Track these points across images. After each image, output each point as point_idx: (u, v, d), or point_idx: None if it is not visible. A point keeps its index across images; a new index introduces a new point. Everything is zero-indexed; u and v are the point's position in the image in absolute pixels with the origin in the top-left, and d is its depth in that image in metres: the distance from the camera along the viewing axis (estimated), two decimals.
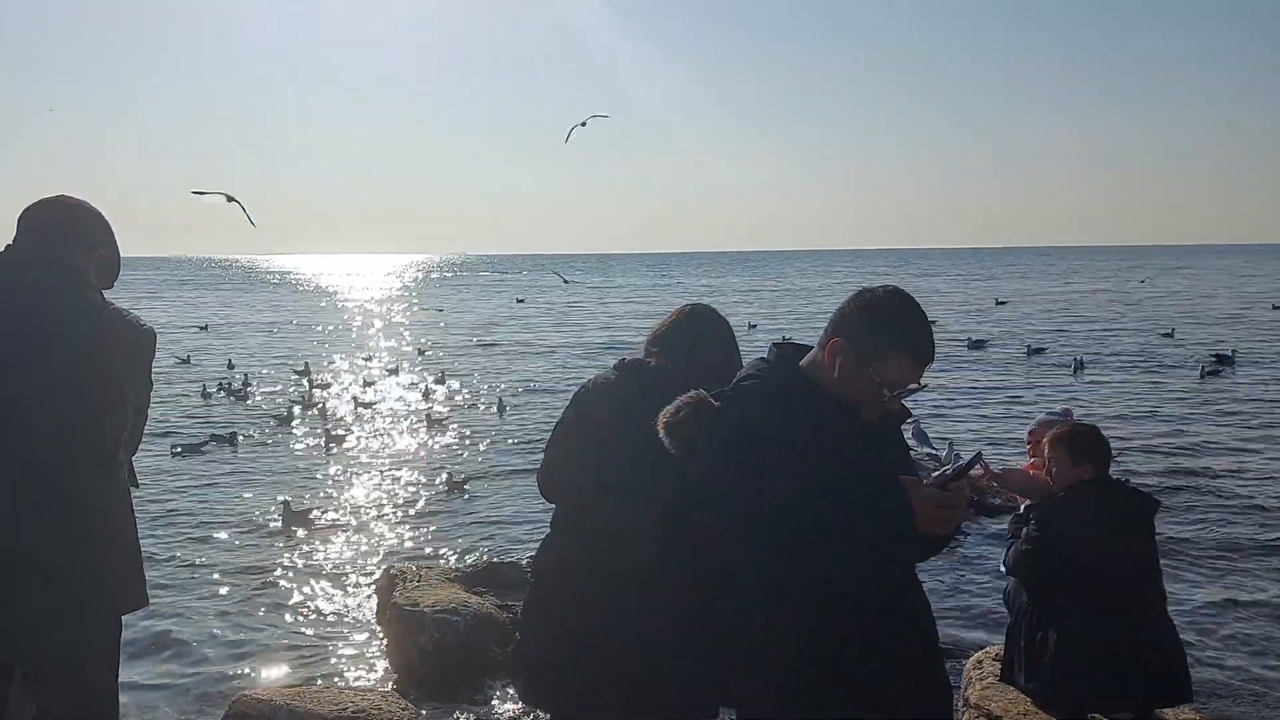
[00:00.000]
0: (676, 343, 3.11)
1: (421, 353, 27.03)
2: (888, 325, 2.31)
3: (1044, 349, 25.04)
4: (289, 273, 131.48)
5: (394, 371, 22.85)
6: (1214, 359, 21.42)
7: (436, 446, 13.97)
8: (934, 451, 11.50)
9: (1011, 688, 4.56)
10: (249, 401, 18.63)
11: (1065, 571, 4.09)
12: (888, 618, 2.32)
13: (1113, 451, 4.28)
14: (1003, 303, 45.12)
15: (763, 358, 2.49)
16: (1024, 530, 4.25)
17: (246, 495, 11.14)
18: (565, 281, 30.40)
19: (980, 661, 5.14)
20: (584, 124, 14.00)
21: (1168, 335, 28.57)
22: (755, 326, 31.56)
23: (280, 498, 10.22)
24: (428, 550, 8.93)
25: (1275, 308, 37.95)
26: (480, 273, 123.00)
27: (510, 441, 14.13)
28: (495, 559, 7.79)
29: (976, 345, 26.13)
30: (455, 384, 20.09)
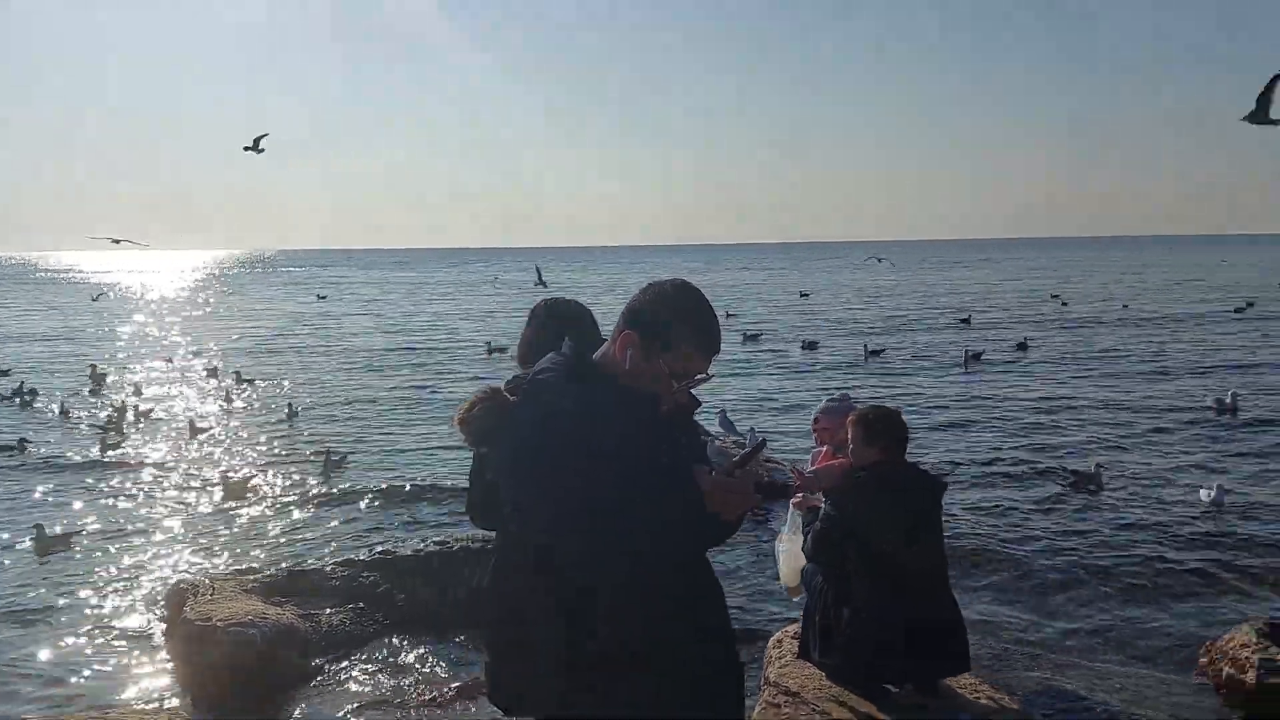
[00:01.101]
0: (549, 346, 3.08)
1: (213, 355, 25.62)
2: (676, 318, 2.35)
3: (816, 343, 25.77)
4: (68, 270, 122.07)
5: (184, 375, 21.69)
6: (973, 355, 22.22)
7: (227, 453, 13.24)
8: (739, 438, 11.85)
9: (809, 664, 4.76)
10: (29, 409, 17.14)
11: (856, 550, 4.30)
12: (680, 603, 2.36)
13: (907, 432, 4.49)
14: (806, 295, 47.21)
15: (558, 351, 2.48)
16: (820, 511, 4.45)
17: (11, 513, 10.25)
18: (540, 283, 29.24)
19: (779, 641, 5.32)
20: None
21: (964, 322, 30.94)
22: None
23: (36, 522, 9.32)
24: (222, 561, 8.46)
25: (1058, 299, 41.27)
26: (286, 269, 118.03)
27: (303, 448, 13.42)
28: (297, 566, 7.47)
29: (751, 338, 26.81)
30: (248, 387, 19.10)
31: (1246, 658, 5.40)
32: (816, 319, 34.09)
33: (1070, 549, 8.33)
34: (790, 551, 4.92)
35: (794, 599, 5.10)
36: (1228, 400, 14.42)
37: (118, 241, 23.21)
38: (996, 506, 9.66)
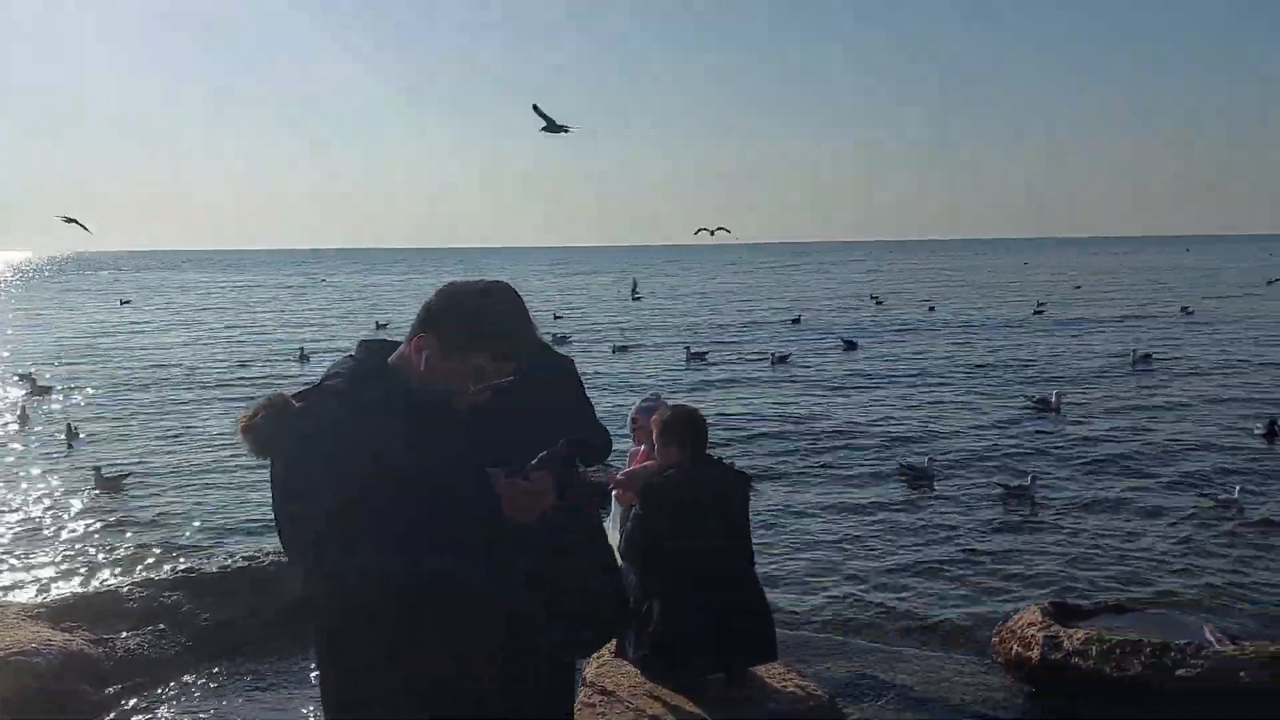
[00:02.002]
0: None
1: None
2: (474, 320, 2.32)
3: (627, 347, 26.01)
4: None
5: None
6: (780, 356, 22.81)
7: (4, 473, 12.26)
8: None
9: (625, 662, 4.83)
10: None
11: (664, 547, 4.40)
12: (479, 610, 2.33)
13: (707, 430, 4.61)
14: (639, 297, 47.82)
15: (350, 354, 2.41)
16: (631, 511, 4.52)
17: None
18: (635, 297, 27.70)
19: None
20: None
21: (795, 321, 32.06)
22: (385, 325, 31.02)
23: None
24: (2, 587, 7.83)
25: (875, 298, 43.18)
26: (93, 272, 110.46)
27: (85, 466, 12.28)
28: (88, 589, 6.99)
29: (620, 349, 26.81)
30: (31, 400, 17.70)
31: (1033, 636, 5.78)
32: (650, 321, 34.56)
33: (884, 540, 8.75)
34: (616, 546, 5.01)
35: None
36: (1052, 399, 15.31)
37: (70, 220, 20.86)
38: (811, 502, 10.05)
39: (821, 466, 11.82)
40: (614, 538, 5.04)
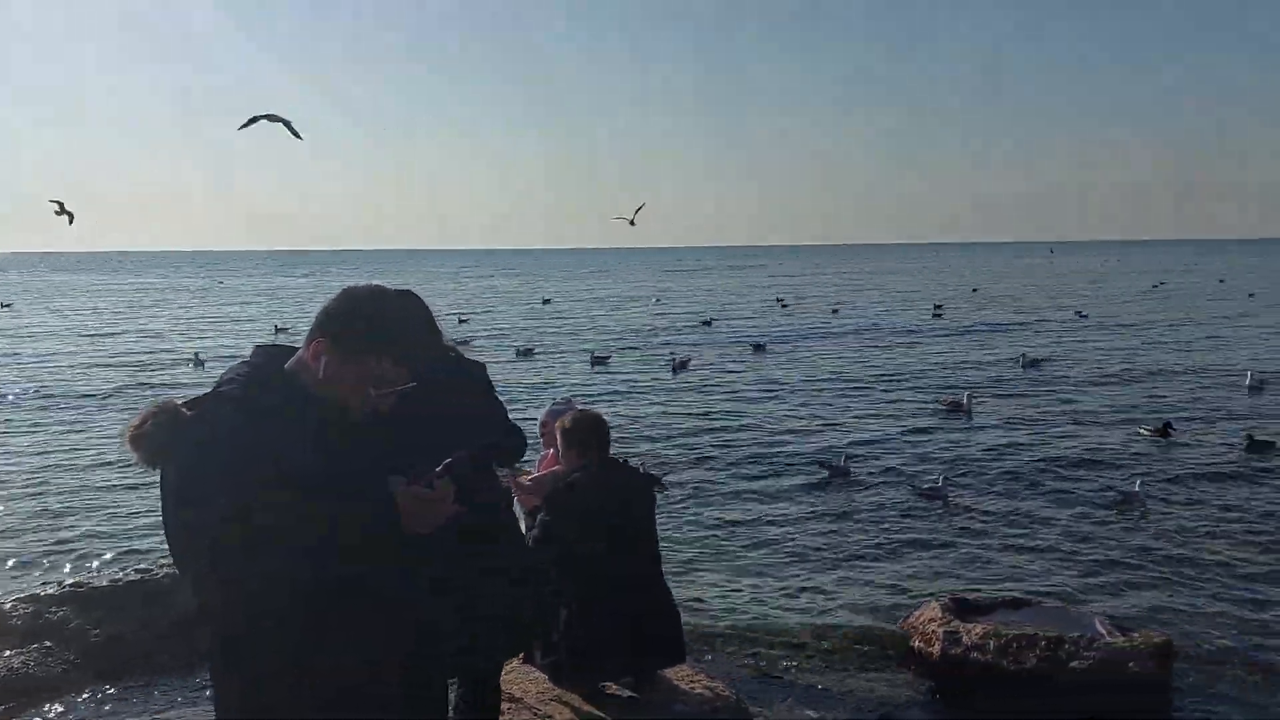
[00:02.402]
0: None
1: None
2: (372, 324, 2.28)
3: (531, 350, 25.51)
4: None
5: None
6: (681, 362, 22.48)
7: None
8: None
9: (533, 668, 4.80)
10: None
11: (572, 551, 4.38)
12: (384, 615, 2.28)
13: (609, 434, 4.61)
14: (547, 301, 47.71)
15: (245, 360, 2.35)
16: (537, 518, 4.49)
17: None
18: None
19: None
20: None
21: (707, 324, 32.36)
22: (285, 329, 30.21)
23: None
24: None
25: (781, 302, 43.83)
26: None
27: None
28: None
29: (524, 353, 25.98)
30: None
31: (934, 632, 5.93)
32: (555, 325, 34.45)
33: (794, 539, 8.87)
34: None
35: None
36: (963, 401, 15.66)
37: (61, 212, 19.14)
38: (720, 503, 10.12)
39: (729, 465, 11.91)
40: None
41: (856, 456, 12.09)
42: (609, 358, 23.70)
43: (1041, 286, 56.38)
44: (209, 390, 2.26)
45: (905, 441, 13.53)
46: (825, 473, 11.30)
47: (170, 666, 6.05)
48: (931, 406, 16.11)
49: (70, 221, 18.05)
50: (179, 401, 2.27)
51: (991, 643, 5.69)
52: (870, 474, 11.47)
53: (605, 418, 4.60)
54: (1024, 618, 6.12)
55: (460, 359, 3.82)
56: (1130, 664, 5.46)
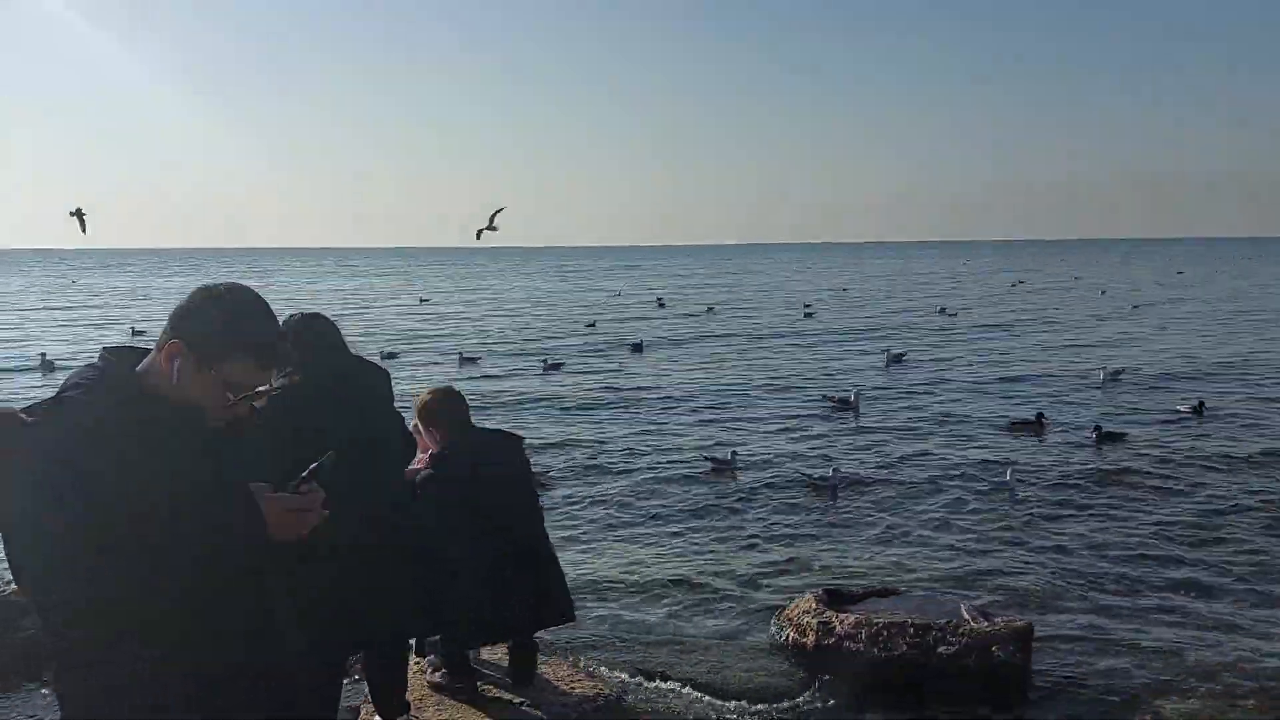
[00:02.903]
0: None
1: None
2: (229, 325, 2.17)
3: (395, 354, 24.87)
4: None
5: None
6: (551, 364, 22.29)
7: None
8: None
9: (416, 669, 4.75)
10: None
11: (447, 523, 4.36)
12: (245, 633, 2.19)
13: (466, 404, 4.62)
14: (426, 300, 47.07)
15: (92, 363, 2.21)
16: (420, 496, 4.46)
17: None
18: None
19: None
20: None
21: (590, 326, 32.31)
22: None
23: None
24: None
25: (660, 302, 44.24)
26: None
27: None
28: None
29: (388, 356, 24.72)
30: None
31: (808, 622, 6.08)
32: (435, 327, 33.91)
33: (679, 534, 8.94)
34: None
35: None
36: (851, 398, 15.95)
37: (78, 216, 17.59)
38: (601, 501, 10.13)
39: (609, 464, 11.91)
40: None
41: (743, 451, 12.30)
42: (478, 358, 23.39)
43: (907, 286, 58.46)
44: (52, 395, 2.13)
45: (793, 437, 13.79)
46: (710, 466, 11.46)
47: (12, 686, 5.71)
48: (819, 403, 16.43)
49: (83, 230, 17.34)
50: (17, 409, 2.14)
51: (863, 632, 5.87)
52: (758, 468, 11.64)
53: (458, 389, 4.62)
54: (894, 606, 6.33)
55: (363, 364, 3.87)
56: (994, 648, 5.70)
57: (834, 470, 10.87)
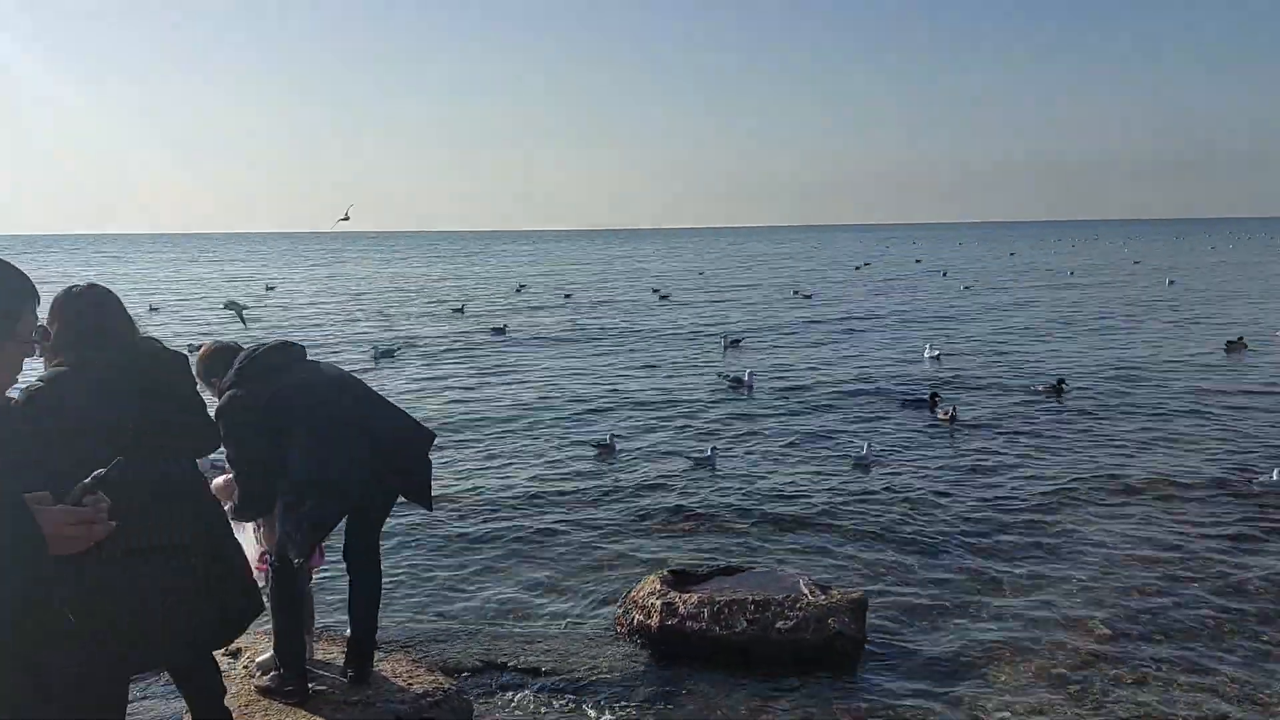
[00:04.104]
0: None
1: None
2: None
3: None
4: None
5: None
6: (381, 352, 21.56)
7: None
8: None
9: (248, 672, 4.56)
10: None
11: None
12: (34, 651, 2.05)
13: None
14: (271, 288, 45.36)
15: None
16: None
17: None
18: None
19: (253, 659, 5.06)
20: None
21: (459, 310, 31.76)
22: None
23: None
24: None
25: (521, 286, 43.89)
26: None
27: None
28: None
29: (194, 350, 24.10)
30: None
31: (652, 604, 6.12)
32: (276, 315, 32.66)
33: (538, 519, 8.87)
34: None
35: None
36: (745, 378, 16.07)
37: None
38: (458, 483, 9.97)
39: (478, 450, 11.73)
40: (246, 539, 4.72)
41: (624, 434, 12.39)
42: (395, 350, 22.69)
43: (764, 269, 59.84)
44: None
45: (689, 415, 13.93)
46: (595, 451, 11.53)
47: None
48: (711, 383, 16.54)
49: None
50: None
51: (705, 610, 5.96)
52: (640, 450, 11.70)
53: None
54: (736, 584, 6.45)
55: (153, 350, 3.52)
56: (830, 620, 5.88)
57: (711, 449, 11.05)
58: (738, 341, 22.44)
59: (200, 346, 4.65)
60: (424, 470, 4.61)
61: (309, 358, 4.62)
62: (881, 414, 13.84)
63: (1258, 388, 15.24)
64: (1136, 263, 60.72)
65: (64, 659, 2.28)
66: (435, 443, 4.78)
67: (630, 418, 13.86)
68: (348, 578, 4.68)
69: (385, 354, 20.86)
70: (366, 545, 4.64)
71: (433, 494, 4.75)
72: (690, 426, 13.16)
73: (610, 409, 14.60)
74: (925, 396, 14.04)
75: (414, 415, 4.80)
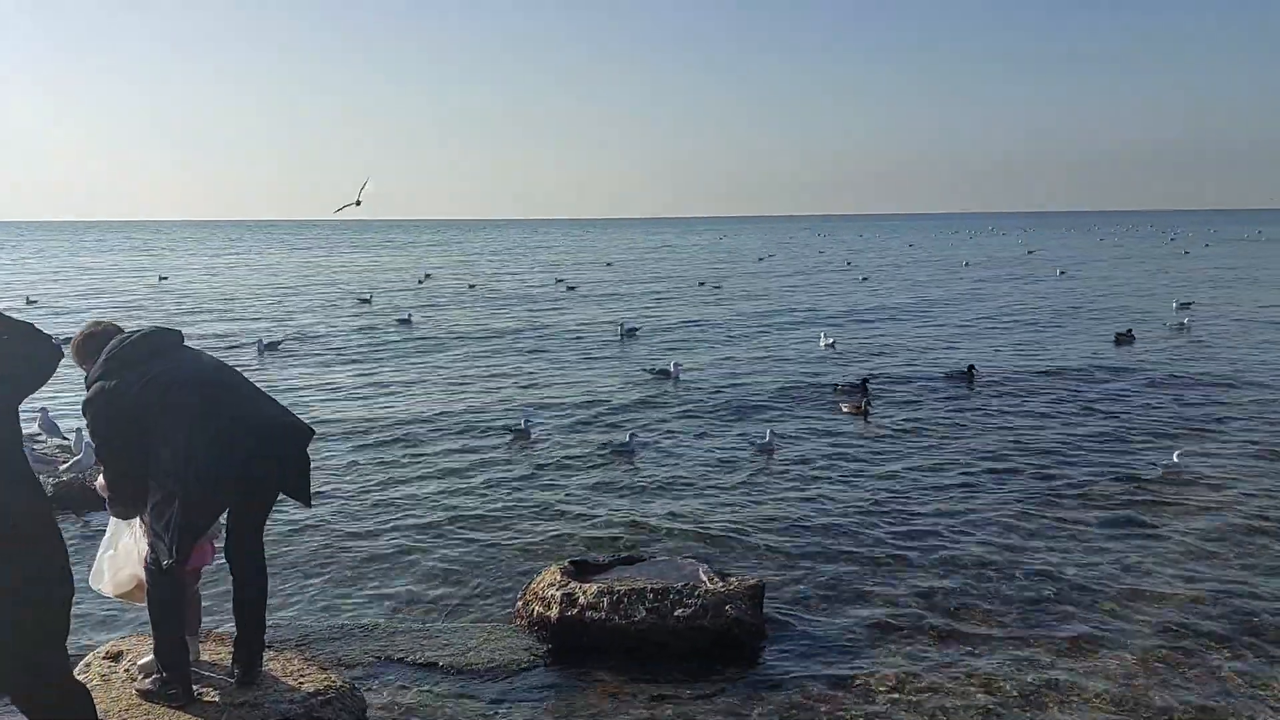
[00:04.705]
0: None
1: None
2: None
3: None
4: None
5: None
6: (267, 345, 20.94)
7: None
8: (64, 441, 10.65)
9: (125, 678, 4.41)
10: None
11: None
12: None
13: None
14: (164, 278, 43.86)
15: None
16: None
17: None
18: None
19: (89, 664, 4.85)
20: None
21: (365, 301, 31.28)
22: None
23: None
24: None
25: (426, 275, 43.22)
26: None
27: None
28: None
29: None
30: None
31: (552, 595, 6.10)
32: (167, 303, 31.55)
33: (441, 508, 8.77)
34: (122, 553, 4.58)
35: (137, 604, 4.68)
36: (670, 369, 15.98)
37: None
38: (357, 478, 9.77)
39: (384, 438, 11.48)
40: (121, 546, 4.58)
41: (541, 420, 12.44)
42: (281, 342, 21.96)
43: (670, 261, 60.23)
44: None
45: (610, 405, 13.93)
46: (509, 436, 11.51)
47: None
48: (641, 373, 16.48)
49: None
50: None
51: (604, 600, 5.96)
52: (554, 440, 11.67)
53: None
54: (637, 573, 6.47)
55: None
56: (727, 607, 5.94)
57: (630, 436, 11.11)
58: (634, 331, 22.49)
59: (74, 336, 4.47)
60: (302, 464, 4.47)
61: (186, 345, 4.47)
62: (791, 402, 14.06)
63: (1144, 378, 15.87)
64: (1030, 253, 62.87)
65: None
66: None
67: (547, 407, 13.80)
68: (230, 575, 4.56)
69: (270, 346, 20.06)
70: (249, 542, 4.51)
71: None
72: (604, 418, 13.14)
73: (518, 399, 14.49)
74: (858, 383, 14.16)
75: (305, 408, 4.69)
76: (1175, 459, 9.98)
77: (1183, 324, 22.49)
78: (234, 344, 21.00)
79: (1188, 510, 8.66)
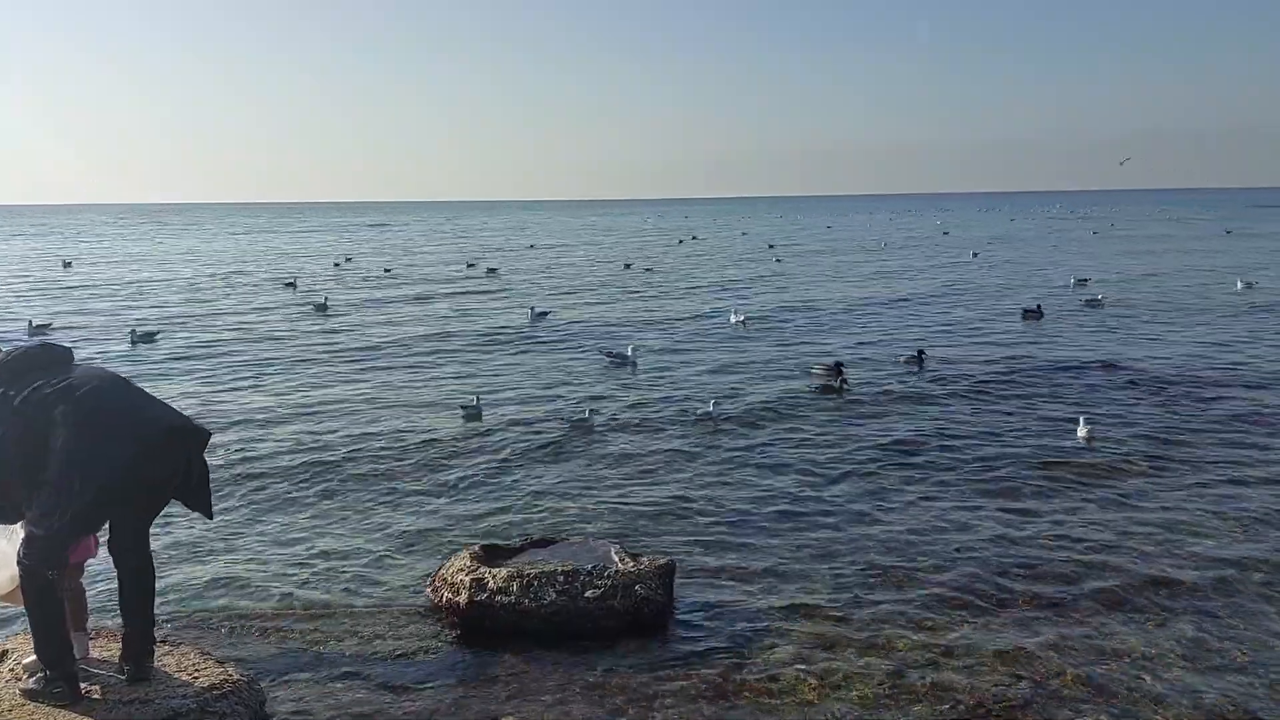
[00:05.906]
0: None
1: None
2: None
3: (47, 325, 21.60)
4: None
5: None
6: (140, 336, 19.94)
7: None
8: None
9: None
10: None
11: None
12: None
13: None
14: (69, 264, 42.28)
15: None
16: None
17: None
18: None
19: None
20: None
21: (290, 285, 30.76)
22: None
23: None
24: None
25: (346, 259, 42.39)
26: None
27: None
28: None
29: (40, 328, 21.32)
30: None
31: (461, 580, 6.03)
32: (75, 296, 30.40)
33: (362, 493, 8.63)
34: (1, 557, 4.43)
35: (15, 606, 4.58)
36: (628, 353, 15.84)
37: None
38: (288, 466, 9.53)
39: (326, 433, 11.16)
40: (2, 547, 4.46)
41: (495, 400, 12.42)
42: (49, 325, 20.92)
43: (596, 243, 60.08)
44: None
45: (569, 388, 13.84)
46: (462, 413, 11.53)
47: None
48: (596, 358, 16.31)
49: None
50: None
51: (514, 584, 5.91)
52: (506, 417, 11.66)
53: None
54: (549, 555, 6.44)
55: None
56: (637, 587, 5.94)
57: (589, 411, 11.14)
58: (544, 314, 22.32)
59: None
60: (200, 470, 4.45)
61: (75, 360, 4.50)
62: (743, 383, 14.09)
63: (1054, 352, 16.27)
64: (945, 234, 64.08)
65: None
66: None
67: (493, 390, 13.67)
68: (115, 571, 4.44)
69: (144, 338, 19.01)
70: (134, 538, 4.39)
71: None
72: (539, 402, 12.99)
73: (453, 385, 14.32)
74: (832, 365, 14.05)
75: (200, 400, 4.60)
76: (1082, 434, 10.29)
77: (1096, 298, 23.35)
78: (105, 335, 20.08)
79: (1097, 477, 8.97)
